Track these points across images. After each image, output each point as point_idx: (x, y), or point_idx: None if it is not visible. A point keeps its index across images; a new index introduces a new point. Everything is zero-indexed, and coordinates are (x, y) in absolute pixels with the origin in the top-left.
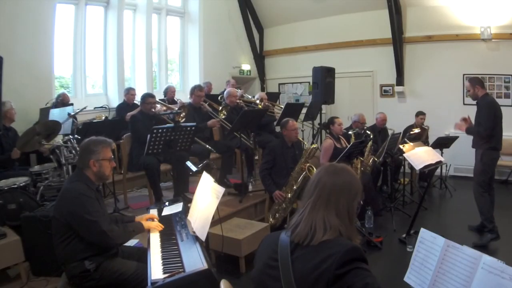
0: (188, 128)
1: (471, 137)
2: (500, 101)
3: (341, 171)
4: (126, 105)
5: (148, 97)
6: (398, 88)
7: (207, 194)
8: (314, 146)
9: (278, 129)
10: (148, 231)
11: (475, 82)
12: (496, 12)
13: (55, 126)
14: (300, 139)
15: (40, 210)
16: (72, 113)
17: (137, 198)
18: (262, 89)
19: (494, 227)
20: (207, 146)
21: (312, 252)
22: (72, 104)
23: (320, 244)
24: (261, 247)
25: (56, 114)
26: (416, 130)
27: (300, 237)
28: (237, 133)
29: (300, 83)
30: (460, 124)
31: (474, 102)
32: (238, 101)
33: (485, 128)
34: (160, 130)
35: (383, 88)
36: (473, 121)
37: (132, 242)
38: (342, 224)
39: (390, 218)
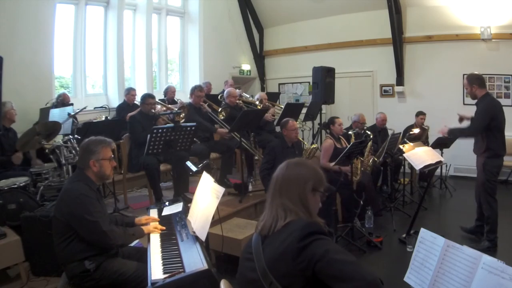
0: (188, 128)
1: (471, 138)
2: (500, 101)
3: (291, 164)
4: (127, 105)
5: (148, 98)
6: (398, 88)
7: (207, 194)
8: (314, 146)
9: (278, 129)
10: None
11: (473, 81)
12: (496, 12)
13: (55, 126)
14: (300, 139)
15: (40, 210)
16: (72, 113)
17: (137, 198)
18: (262, 89)
19: (495, 238)
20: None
21: (277, 236)
22: (72, 104)
23: (283, 227)
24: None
25: (56, 114)
26: (416, 130)
27: (265, 228)
28: (237, 136)
29: (300, 83)
30: (442, 129)
31: (474, 102)
32: (237, 101)
33: (472, 129)
34: (160, 130)
35: (383, 88)
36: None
37: (132, 242)
38: (300, 210)
39: (390, 218)
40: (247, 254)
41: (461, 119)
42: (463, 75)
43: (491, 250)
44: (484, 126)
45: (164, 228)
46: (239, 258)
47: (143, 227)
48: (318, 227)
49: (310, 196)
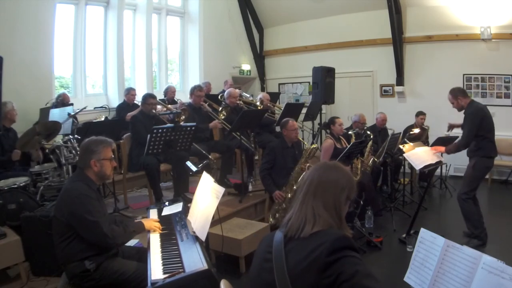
0: (188, 128)
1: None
2: (500, 101)
3: (329, 167)
4: (127, 105)
5: (149, 98)
6: (398, 88)
7: (207, 194)
8: (314, 146)
9: (278, 129)
10: (148, 231)
11: (456, 93)
12: (496, 12)
13: (55, 126)
14: (300, 139)
15: (40, 210)
16: (72, 113)
17: (137, 198)
18: (262, 89)
19: (481, 233)
20: (203, 151)
21: (303, 243)
22: (72, 104)
23: (311, 235)
24: (259, 246)
25: (56, 114)
26: (416, 130)
27: (292, 230)
28: (237, 134)
29: (300, 83)
30: (437, 148)
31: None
32: (238, 101)
33: (465, 142)
34: (160, 130)
35: (383, 88)
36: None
37: (132, 242)
38: (331, 217)
39: (390, 218)
40: (266, 254)
41: (451, 127)
42: (463, 75)
43: (480, 247)
44: (475, 132)
45: (160, 227)
46: (256, 255)
47: (143, 221)
48: (350, 242)
49: (343, 204)
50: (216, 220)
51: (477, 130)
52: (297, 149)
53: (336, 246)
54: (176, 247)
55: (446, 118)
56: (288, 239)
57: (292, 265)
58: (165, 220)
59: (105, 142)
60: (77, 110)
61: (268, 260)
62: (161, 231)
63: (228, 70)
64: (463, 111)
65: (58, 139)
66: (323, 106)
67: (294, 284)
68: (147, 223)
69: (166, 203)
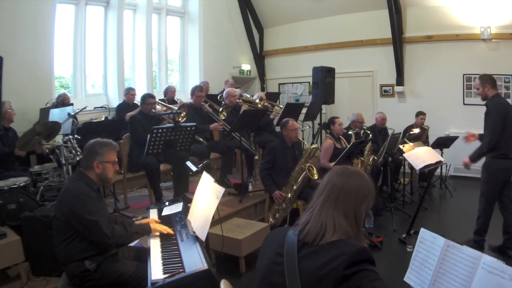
0: (188, 128)
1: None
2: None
3: (352, 174)
4: (126, 105)
5: (148, 98)
6: (398, 88)
7: (207, 194)
8: (314, 146)
9: (278, 129)
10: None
11: (485, 81)
12: (496, 12)
13: (55, 126)
14: (300, 139)
15: (40, 210)
16: (72, 113)
17: (137, 198)
18: (262, 89)
19: (482, 241)
20: (201, 139)
21: (320, 251)
22: (72, 104)
23: (328, 244)
24: (267, 243)
25: (56, 114)
26: (416, 130)
27: (310, 236)
28: (236, 135)
29: (300, 83)
30: (465, 162)
31: (477, 102)
32: (237, 100)
33: (490, 140)
34: (160, 130)
35: (383, 88)
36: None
37: (132, 242)
38: (350, 226)
39: (390, 218)
40: (277, 256)
41: (468, 139)
42: (463, 75)
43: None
44: (500, 128)
45: (172, 232)
46: (264, 253)
47: (151, 224)
48: (369, 255)
49: (363, 213)
50: (216, 220)
51: (504, 125)
52: (297, 149)
53: (355, 258)
54: (176, 247)
55: (446, 118)
56: (302, 244)
57: (305, 272)
58: (165, 220)
59: (110, 145)
60: (77, 110)
61: (279, 263)
62: (170, 232)
63: (228, 70)
64: (484, 102)
65: (58, 139)
66: (323, 106)
67: None
68: (153, 225)
69: (166, 203)
